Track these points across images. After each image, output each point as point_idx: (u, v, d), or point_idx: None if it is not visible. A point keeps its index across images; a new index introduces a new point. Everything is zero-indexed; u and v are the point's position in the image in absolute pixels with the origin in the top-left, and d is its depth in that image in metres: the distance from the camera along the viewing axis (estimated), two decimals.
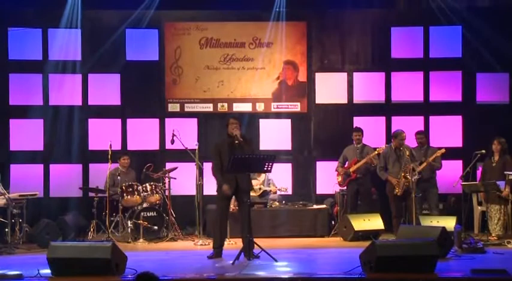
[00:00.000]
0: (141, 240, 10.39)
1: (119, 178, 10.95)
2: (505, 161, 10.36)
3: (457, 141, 12.17)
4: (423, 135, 11.18)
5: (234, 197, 9.16)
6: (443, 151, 10.75)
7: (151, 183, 10.93)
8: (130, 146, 12.17)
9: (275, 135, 12.41)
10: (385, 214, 10.75)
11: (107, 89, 12.29)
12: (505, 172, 10.20)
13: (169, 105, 12.36)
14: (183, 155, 10.78)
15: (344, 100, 12.40)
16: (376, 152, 10.89)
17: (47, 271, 7.26)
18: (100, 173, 11.40)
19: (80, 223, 10.90)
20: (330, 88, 12.44)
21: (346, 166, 11.17)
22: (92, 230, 10.61)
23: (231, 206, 10.24)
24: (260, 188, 11.46)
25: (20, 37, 12.09)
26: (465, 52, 12.23)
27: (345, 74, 12.43)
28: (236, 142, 8.83)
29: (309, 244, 10.32)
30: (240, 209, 9.01)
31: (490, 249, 9.27)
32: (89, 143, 12.22)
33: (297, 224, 11.05)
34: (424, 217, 10.29)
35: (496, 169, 10.40)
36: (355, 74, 12.42)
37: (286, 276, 7.51)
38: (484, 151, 10.24)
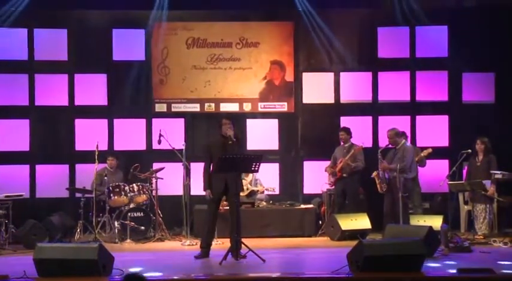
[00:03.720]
0: (128, 240, 10.36)
1: (106, 178, 10.92)
2: (489, 160, 10.40)
3: (443, 140, 12.22)
4: (404, 136, 11.14)
5: (224, 197, 9.18)
6: (430, 150, 10.80)
7: (139, 183, 10.91)
8: (117, 146, 12.14)
9: (262, 135, 12.42)
10: (373, 213, 10.77)
11: (93, 89, 12.24)
12: (491, 171, 10.26)
13: (156, 105, 12.33)
14: (170, 155, 10.75)
15: (331, 100, 12.42)
16: (351, 154, 10.87)
17: (33, 272, 7.21)
18: (87, 174, 11.35)
19: (67, 223, 10.84)
20: (317, 88, 12.45)
21: (336, 165, 11.15)
22: (78, 230, 10.57)
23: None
24: (247, 188, 11.46)
25: (5, 37, 12.00)
26: (451, 52, 12.28)
27: (332, 74, 12.45)
28: (230, 142, 8.83)
29: (297, 243, 10.33)
30: (230, 210, 9.04)
31: (476, 248, 9.31)
32: (75, 143, 12.17)
33: (284, 224, 11.05)
34: (411, 216, 10.32)
35: (480, 168, 10.44)
36: (342, 74, 12.44)
37: (273, 276, 7.50)
38: (470, 150, 10.29)
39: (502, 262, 8.12)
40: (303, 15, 12.26)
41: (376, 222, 10.65)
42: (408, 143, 10.68)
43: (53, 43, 12.16)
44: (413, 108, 12.40)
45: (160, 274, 7.56)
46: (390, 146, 10.50)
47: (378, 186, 10.48)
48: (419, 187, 10.98)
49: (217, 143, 8.99)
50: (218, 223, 9.96)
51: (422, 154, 10.82)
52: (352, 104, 12.41)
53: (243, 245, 8.57)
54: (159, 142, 10.61)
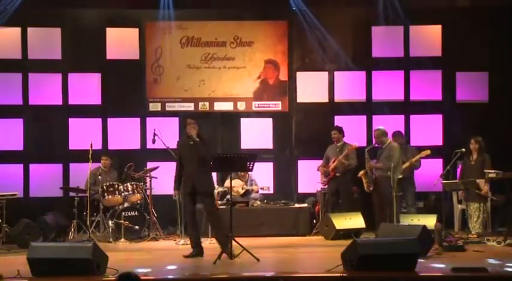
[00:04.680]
0: (122, 240, 10.35)
1: (100, 177, 10.90)
2: (483, 159, 10.41)
3: (437, 139, 12.25)
4: (400, 136, 11.16)
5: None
6: (427, 152, 10.80)
7: (133, 182, 10.90)
8: (111, 146, 12.13)
9: (256, 134, 12.43)
10: (367, 212, 10.79)
11: (87, 88, 12.23)
12: (485, 170, 10.28)
13: (151, 104, 12.33)
14: (164, 155, 10.72)
15: (325, 99, 12.44)
16: (345, 153, 10.89)
17: (27, 272, 7.20)
18: (81, 173, 11.35)
19: (61, 223, 10.81)
20: (311, 87, 12.47)
21: (328, 164, 11.17)
22: (72, 230, 10.54)
23: None
24: (243, 188, 11.48)
25: None
26: (445, 51, 12.31)
27: (326, 73, 12.47)
28: (191, 142, 8.87)
29: (291, 242, 10.33)
30: (204, 210, 9.08)
31: (470, 247, 9.32)
32: (69, 142, 12.16)
33: (278, 223, 11.06)
34: (403, 215, 10.34)
35: (474, 168, 10.44)
36: (336, 73, 12.46)
37: (268, 275, 7.51)
38: (464, 150, 10.30)
39: (496, 261, 8.15)
40: (298, 14, 12.25)
41: (370, 221, 10.68)
42: (394, 142, 10.74)
43: (47, 42, 12.15)
44: (407, 107, 12.43)
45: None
46: (376, 145, 10.57)
47: (365, 185, 10.56)
48: (413, 186, 11.01)
49: (184, 142, 9.07)
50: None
51: (419, 156, 10.82)
52: (346, 103, 12.42)
53: (237, 244, 8.57)
54: (154, 141, 10.60)
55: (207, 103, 12.36)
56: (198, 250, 8.92)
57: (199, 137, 8.93)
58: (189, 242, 9.80)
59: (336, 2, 12.17)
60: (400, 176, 10.43)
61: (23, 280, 7.10)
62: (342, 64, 12.43)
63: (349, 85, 12.49)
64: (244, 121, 12.46)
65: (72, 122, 12.20)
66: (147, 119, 12.26)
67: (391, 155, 10.37)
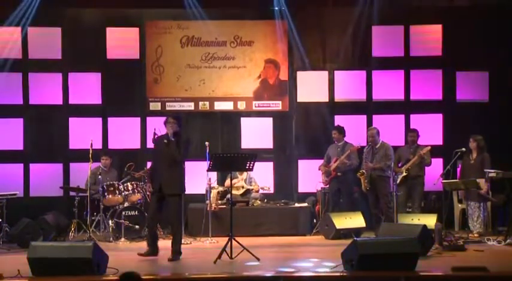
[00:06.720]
0: (122, 239, 10.35)
1: (100, 177, 10.90)
2: (483, 158, 10.42)
3: (437, 139, 12.24)
4: (415, 133, 11.15)
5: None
6: (429, 148, 10.80)
7: (133, 182, 10.90)
8: (112, 145, 12.14)
9: (257, 133, 12.43)
10: (367, 212, 10.81)
11: (87, 87, 12.23)
12: (485, 170, 10.28)
13: (151, 104, 12.33)
14: None
15: (325, 99, 12.44)
16: (347, 153, 10.92)
17: (27, 271, 7.20)
18: (81, 172, 11.35)
19: (61, 222, 10.81)
20: (311, 87, 12.47)
21: (330, 164, 11.18)
22: (72, 229, 10.54)
23: (213, 205, 10.33)
24: (243, 187, 11.48)
25: None
26: (445, 51, 12.31)
27: (326, 72, 12.46)
28: (165, 140, 8.84)
29: (291, 242, 10.33)
30: (169, 208, 8.97)
31: (471, 246, 9.33)
32: (69, 142, 12.16)
33: (279, 222, 11.05)
34: (403, 215, 10.34)
35: (474, 167, 10.46)
36: (336, 72, 12.46)
37: (268, 274, 7.51)
38: (464, 149, 10.30)
39: (496, 261, 8.15)
40: (297, 13, 12.24)
41: (371, 221, 10.69)
42: (386, 142, 10.79)
43: (47, 42, 12.15)
44: (407, 106, 12.42)
45: None
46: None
47: (363, 185, 10.60)
48: (422, 186, 10.93)
49: (161, 140, 8.92)
50: (213, 222, 10.06)
51: (421, 152, 10.81)
52: (347, 103, 12.42)
53: (237, 244, 8.57)
54: (154, 140, 10.58)
55: (207, 103, 12.36)
56: (152, 250, 8.85)
57: (176, 136, 8.85)
58: (189, 242, 9.86)
59: (336, 2, 12.15)
60: (405, 174, 10.49)
61: (23, 280, 7.10)
62: (342, 64, 12.40)
63: (349, 85, 12.48)
64: (244, 121, 12.45)
65: (73, 121, 12.20)
66: (147, 118, 12.25)
67: (388, 155, 10.52)
